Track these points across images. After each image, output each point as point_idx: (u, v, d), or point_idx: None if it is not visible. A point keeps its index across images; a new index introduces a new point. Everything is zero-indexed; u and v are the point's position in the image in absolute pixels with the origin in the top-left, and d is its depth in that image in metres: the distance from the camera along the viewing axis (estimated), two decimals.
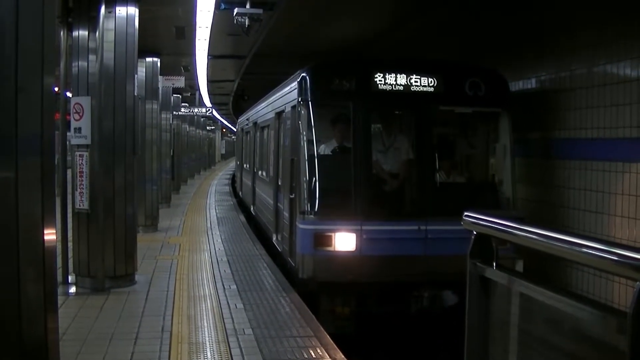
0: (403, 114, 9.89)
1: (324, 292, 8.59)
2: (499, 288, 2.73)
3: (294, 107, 9.59)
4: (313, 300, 8.48)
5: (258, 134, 16.73)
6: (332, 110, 9.42)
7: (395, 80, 8.94)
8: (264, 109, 15.17)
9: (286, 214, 10.07)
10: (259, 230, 15.21)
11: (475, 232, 2.78)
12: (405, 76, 8.95)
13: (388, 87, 8.93)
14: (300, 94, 9.15)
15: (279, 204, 11.45)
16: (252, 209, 17.44)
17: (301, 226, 8.73)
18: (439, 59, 11.79)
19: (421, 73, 9.01)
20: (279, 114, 11.77)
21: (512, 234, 2.53)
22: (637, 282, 1.78)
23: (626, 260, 1.84)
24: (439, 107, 9.14)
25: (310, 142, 8.86)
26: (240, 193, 23.84)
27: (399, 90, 8.95)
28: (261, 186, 15.19)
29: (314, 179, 8.68)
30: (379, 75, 8.93)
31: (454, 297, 8.55)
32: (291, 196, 9.50)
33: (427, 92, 9.01)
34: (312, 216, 8.61)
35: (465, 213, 2.87)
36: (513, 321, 2.60)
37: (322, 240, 8.45)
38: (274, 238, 11.76)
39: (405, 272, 8.44)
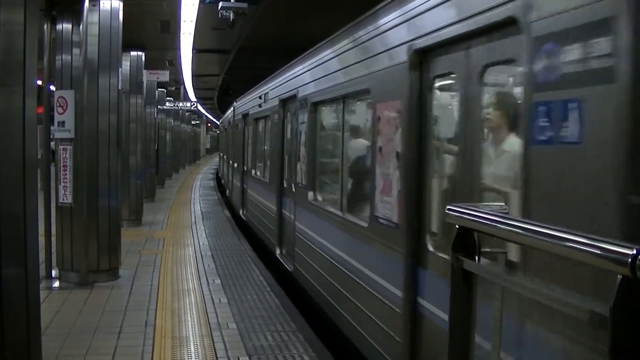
0: None
1: None
2: (482, 281, 2.74)
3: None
4: None
5: (289, 118, 10.42)
6: None
7: None
8: (325, 65, 8.10)
9: None
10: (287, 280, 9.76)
11: (457, 226, 2.78)
12: None
13: None
14: None
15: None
16: (276, 248, 10.97)
17: None
18: None
19: None
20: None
21: (494, 227, 2.54)
22: (619, 276, 1.80)
23: (608, 254, 1.85)
24: None
25: None
26: (241, 213, 16.76)
27: None
28: (306, 215, 8.77)
29: None
30: None
31: None
32: None
33: None
34: None
35: (448, 206, 2.87)
36: (496, 315, 2.61)
37: None
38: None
39: None
